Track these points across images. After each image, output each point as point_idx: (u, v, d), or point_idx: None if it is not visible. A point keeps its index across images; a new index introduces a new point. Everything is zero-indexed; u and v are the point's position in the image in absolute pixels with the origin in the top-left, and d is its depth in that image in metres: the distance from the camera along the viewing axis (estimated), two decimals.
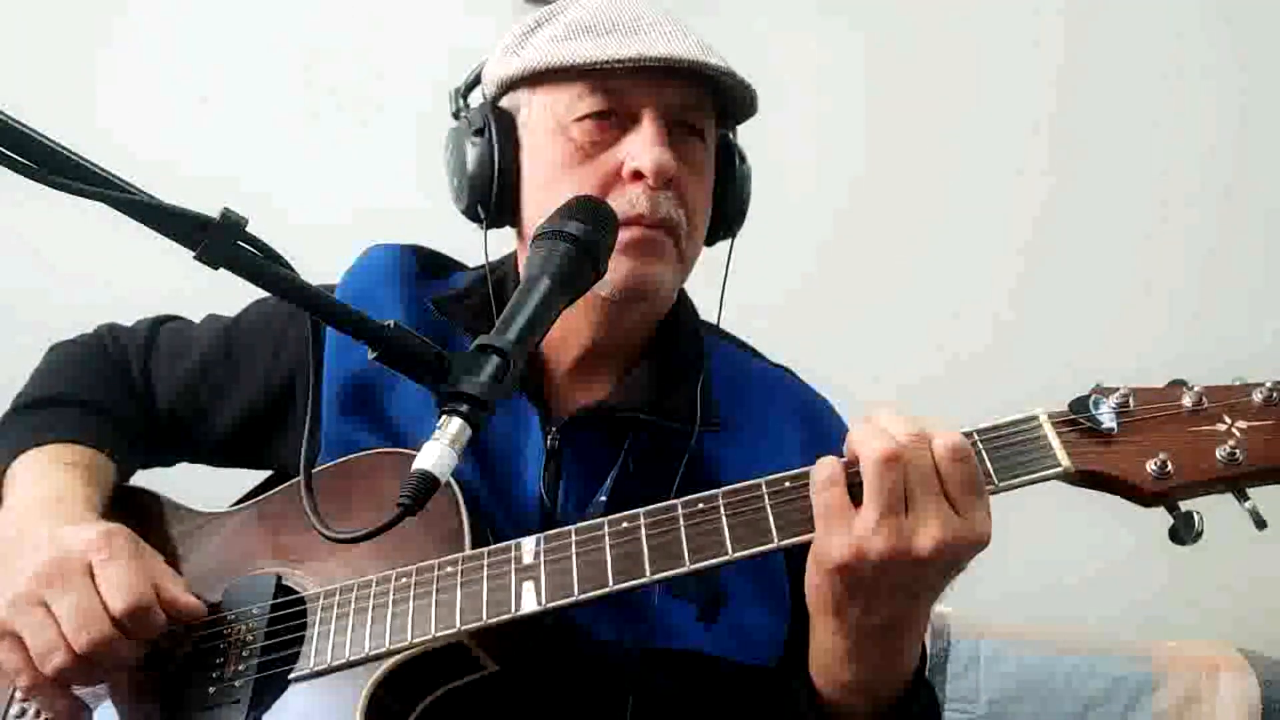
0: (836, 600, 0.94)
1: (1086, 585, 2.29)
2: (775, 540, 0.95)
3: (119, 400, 1.30)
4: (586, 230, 1.04)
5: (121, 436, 1.27)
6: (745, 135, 1.29)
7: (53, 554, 1.04)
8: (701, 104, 1.17)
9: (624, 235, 1.11)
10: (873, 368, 2.24)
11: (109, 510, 1.19)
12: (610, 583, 0.98)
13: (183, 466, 1.38)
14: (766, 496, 0.97)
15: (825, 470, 0.93)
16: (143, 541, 1.10)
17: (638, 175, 1.12)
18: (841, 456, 0.96)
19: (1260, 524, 0.92)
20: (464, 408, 0.92)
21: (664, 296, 1.21)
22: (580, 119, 1.14)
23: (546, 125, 1.16)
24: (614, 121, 1.14)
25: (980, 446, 0.96)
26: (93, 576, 1.03)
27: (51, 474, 1.18)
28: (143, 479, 1.33)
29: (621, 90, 1.14)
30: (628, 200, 1.12)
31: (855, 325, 2.35)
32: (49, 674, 1.02)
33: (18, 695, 1.13)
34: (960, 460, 0.91)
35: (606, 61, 1.11)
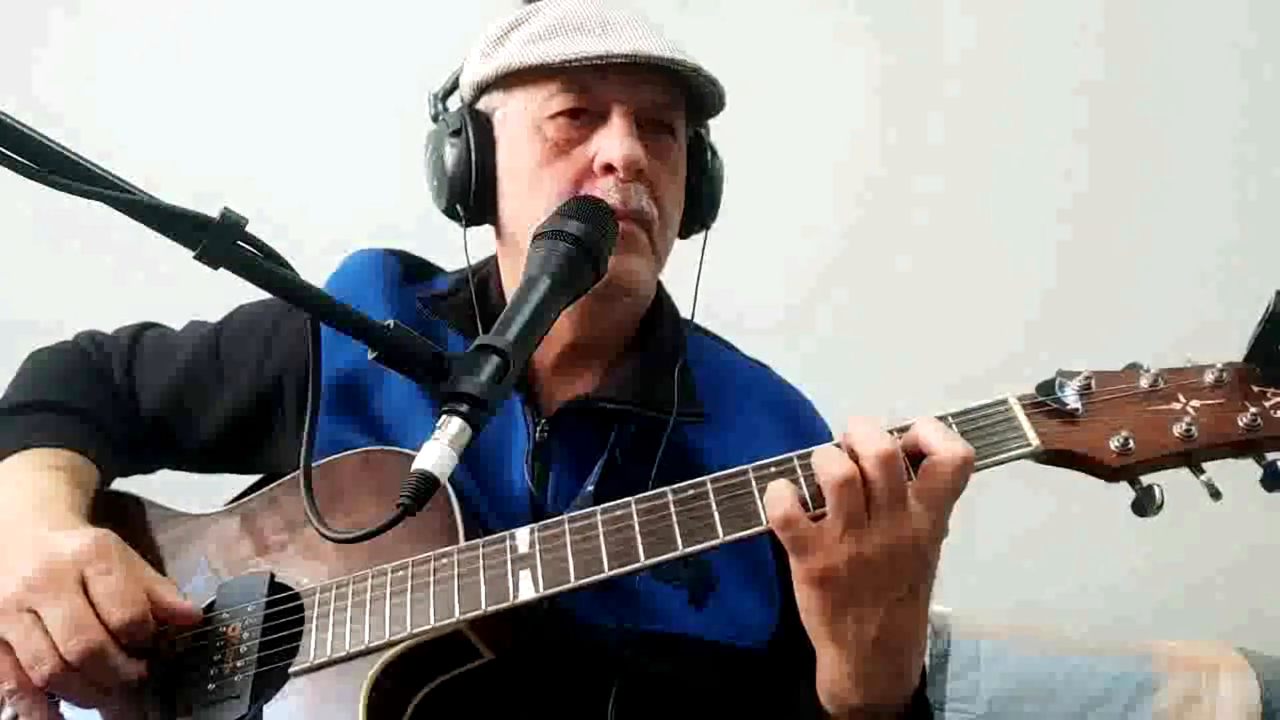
0: (829, 616, 0.95)
1: (1087, 585, 2.30)
2: (764, 523, 0.96)
3: (102, 406, 1.29)
4: (586, 230, 1.06)
5: (105, 442, 1.27)
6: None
7: (42, 560, 1.04)
8: (671, 101, 1.20)
9: None
10: (868, 369, 2.25)
11: (93, 514, 1.18)
12: (606, 568, 0.99)
13: (169, 472, 1.37)
14: (754, 481, 0.99)
15: (779, 508, 0.93)
16: (130, 548, 1.10)
17: (609, 168, 1.14)
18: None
19: (1215, 495, 0.96)
20: (464, 408, 0.93)
21: (641, 289, 1.22)
22: (553, 116, 1.17)
23: (521, 124, 1.19)
24: (586, 119, 1.17)
25: (954, 428, 0.98)
26: (85, 586, 1.03)
27: (36, 477, 1.17)
28: (129, 484, 1.32)
29: (592, 88, 1.16)
30: (600, 193, 1.14)
31: (851, 327, 2.37)
32: (36, 682, 1.02)
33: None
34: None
35: (574, 59, 1.13)
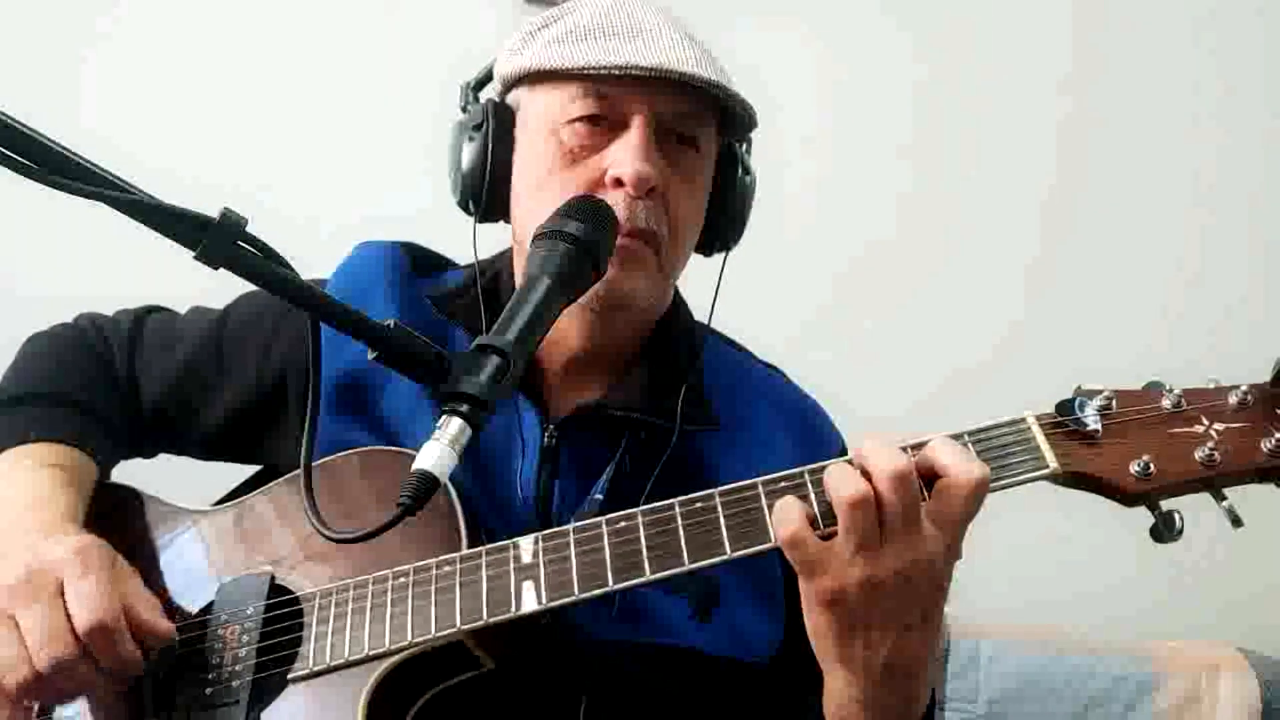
0: (838, 639, 0.94)
1: (1087, 585, 2.29)
2: (773, 539, 0.95)
3: (103, 396, 1.27)
4: (586, 230, 1.05)
5: (104, 434, 1.25)
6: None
7: (26, 567, 1.02)
8: (695, 113, 1.17)
9: None
10: (870, 375, 2.25)
11: (89, 513, 1.17)
12: (610, 582, 0.97)
13: (166, 462, 1.36)
14: (763, 496, 0.97)
15: (787, 527, 0.92)
16: (121, 558, 1.08)
17: (619, 183, 1.12)
18: (830, 459, 0.96)
19: (1236, 523, 0.93)
20: (464, 408, 0.92)
21: (642, 307, 1.20)
22: (571, 121, 1.15)
23: (540, 126, 1.17)
24: (605, 125, 1.14)
25: (971, 448, 0.96)
26: (62, 592, 1.02)
27: (32, 476, 1.16)
28: (127, 473, 1.31)
29: (613, 95, 1.14)
30: (608, 205, 1.11)
31: (854, 334, 2.37)
32: (10, 689, 1.01)
33: None
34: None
35: (596, 66, 1.11)
